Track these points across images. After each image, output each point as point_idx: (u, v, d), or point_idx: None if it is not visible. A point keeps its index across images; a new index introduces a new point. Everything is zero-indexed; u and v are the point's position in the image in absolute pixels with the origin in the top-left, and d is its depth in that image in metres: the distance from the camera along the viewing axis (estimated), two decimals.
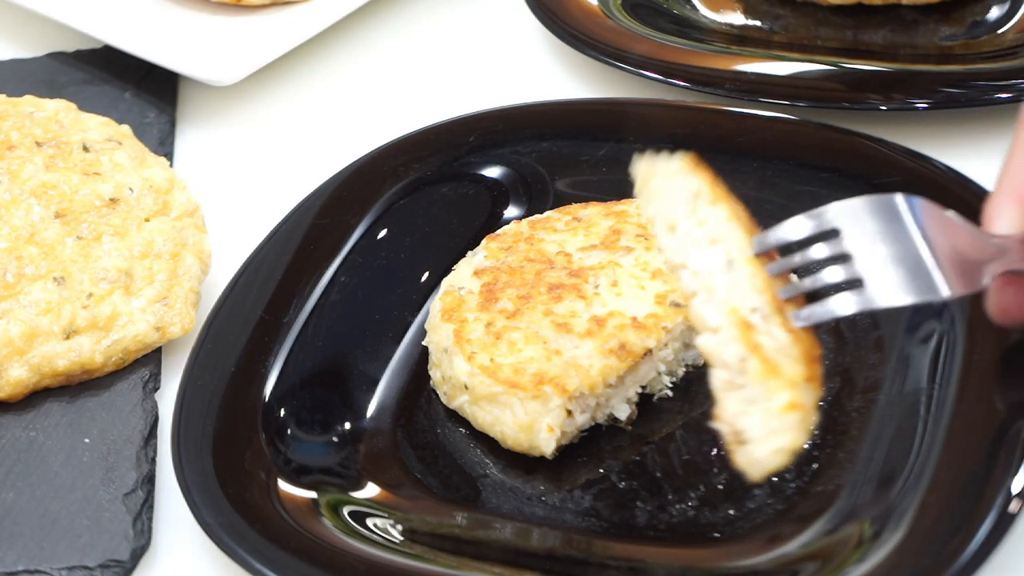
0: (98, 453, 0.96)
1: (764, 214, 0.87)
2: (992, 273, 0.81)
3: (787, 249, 0.81)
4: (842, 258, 0.79)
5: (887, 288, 0.78)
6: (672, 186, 0.83)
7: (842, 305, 0.78)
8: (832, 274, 0.79)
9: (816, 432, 0.92)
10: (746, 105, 1.14)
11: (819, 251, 0.79)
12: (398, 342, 1.02)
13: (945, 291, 0.79)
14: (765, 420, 0.77)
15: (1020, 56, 1.18)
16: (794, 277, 0.84)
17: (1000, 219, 0.83)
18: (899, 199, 0.81)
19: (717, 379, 0.78)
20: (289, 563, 0.86)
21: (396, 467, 0.95)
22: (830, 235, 0.80)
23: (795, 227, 0.80)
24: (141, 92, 1.26)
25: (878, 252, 0.79)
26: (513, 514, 0.91)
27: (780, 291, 0.79)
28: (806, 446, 0.91)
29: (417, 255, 1.07)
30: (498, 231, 1.05)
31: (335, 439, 0.96)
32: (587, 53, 1.23)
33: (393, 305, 1.04)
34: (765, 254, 0.80)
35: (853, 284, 0.79)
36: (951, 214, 0.82)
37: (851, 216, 0.80)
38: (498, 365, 0.93)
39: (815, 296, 0.80)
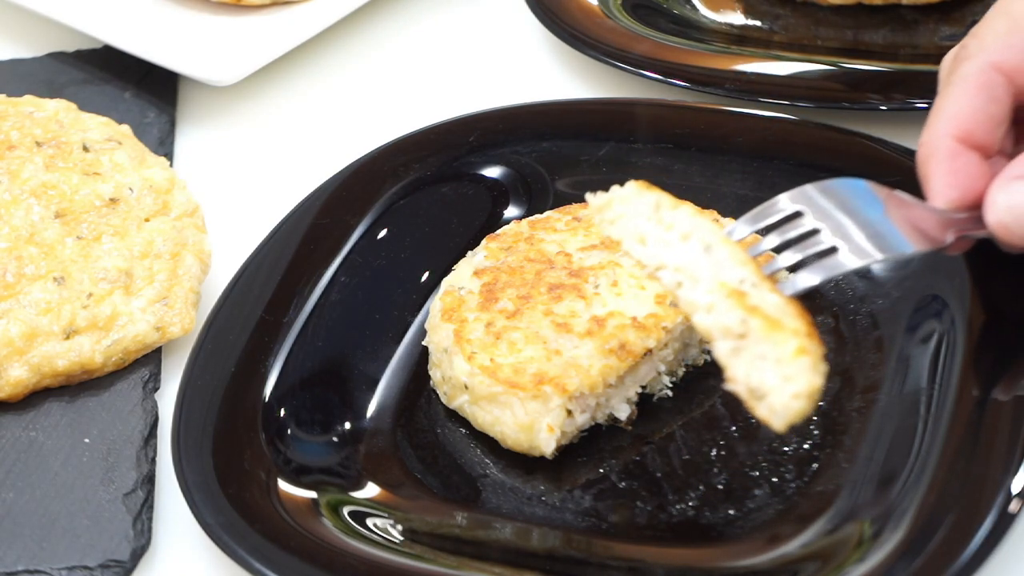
0: (98, 453, 0.96)
1: None
2: (950, 236, 0.86)
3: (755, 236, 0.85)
4: (811, 233, 0.84)
5: (859, 249, 0.83)
6: (631, 207, 0.86)
7: (823, 269, 0.83)
8: (806, 247, 0.83)
9: (816, 432, 0.92)
10: (746, 105, 1.14)
11: (788, 231, 0.84)
12: (398, 342, 1.02)
13: (910, 247, 0.84)
14: (778, 369, 0.78)
15: None
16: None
17: (937, 189, 0.87)
18: (843, 182, 0.86)
19: (721, 350, 0.80)
20: (289, 563, 0.86)
21: (396, 467, 0.95)
22: (794, 217, 0.84)
23: (759, 216, 0.85)
24: (141, 92, 1.26)
25: (842, 223, 0.84)
26: (513, 514, 0.91)
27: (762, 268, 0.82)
28: (806, 447, 0.92)
29: (417, 255, 1.07)
30: (498, 231, 1.05)
31: (335, 439, 0.96)
32: (587, 53, 1.23)
33: (393, 305, 1.04)
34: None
35: (827, 253, 0.83)
36: (899, 192, 0.87)
37: (806, 199, 0.85)
38: (498, 365, 0.93)
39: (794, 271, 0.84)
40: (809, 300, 0.99)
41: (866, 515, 0.86)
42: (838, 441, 0.92)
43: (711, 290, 0.81)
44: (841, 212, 0.84)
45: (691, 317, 0.82)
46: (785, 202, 0.85)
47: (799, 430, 0.92)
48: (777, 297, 0.80)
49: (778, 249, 0.84)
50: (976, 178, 0.86)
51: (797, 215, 0.84)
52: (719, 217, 1.00)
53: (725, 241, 0.82)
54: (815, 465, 0.91)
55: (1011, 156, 0.89)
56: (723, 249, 0.82)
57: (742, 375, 0.79)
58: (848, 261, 0.82)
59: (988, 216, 0.85)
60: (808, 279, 0.82)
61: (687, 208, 0.85)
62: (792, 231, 0.84)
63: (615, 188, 0.88)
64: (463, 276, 1.01)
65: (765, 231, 0.84)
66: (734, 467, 0.92)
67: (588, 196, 0.89)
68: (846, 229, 0.83)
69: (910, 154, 1.06)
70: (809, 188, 0.85)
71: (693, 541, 0.88)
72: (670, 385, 0.97)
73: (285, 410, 0.97)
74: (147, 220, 1.07)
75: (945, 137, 0.88)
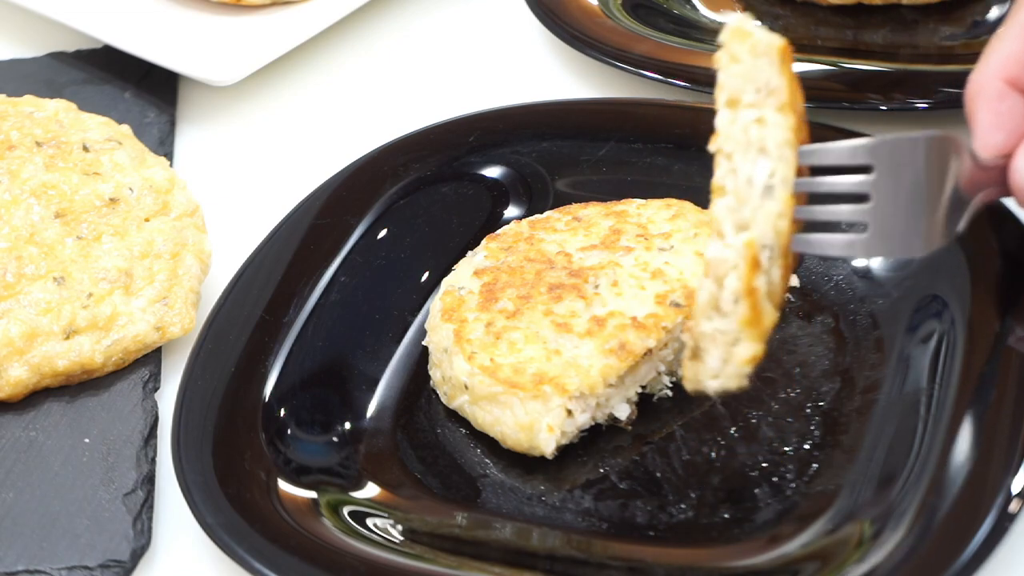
0: (98, 453, 0.96)
1: None
2: (975, 204, 0.87)
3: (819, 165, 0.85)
4: (859, 198, 0.85)
5: (878, 244, 0.85)
6: (754, 64, 0.82)
7: (834, 246, 0.85)
8: (841, 213, 0.85)
9: (816, 432, 0.92)
10: None
11: (841, 184, 0.85)
12: (398, 342, 1.02)
13: (922, 251, 0.85)
14: (723, 359, 0.83)
15: None
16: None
17: (983, 129, 0.88)
18: (932, 144, 0.85)
19: (704, 291, 0.82)
20: (289, 563, 0.86)
21: (396, 467, 0.95)
22: (862, 170, 0.85)
23: (837, 153, 0.84)
24: (141, 92, 1.26)
25: (889, 205, 0.84)
26: (513, 514, 0.91)
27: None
28: (806, 447, 0.92)
29: (417, 255, 1.07)
30: (498, 231, 1.05)
31: (335, 439, 0.96)
32: (587, 53, 1.23)
33: (393, 305, 1.04)
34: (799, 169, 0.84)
35: (854, 226, 0.85)
36: (967, 156, 0.86)
37: (890, 158, 0.84)
38: (498, 365, 0.93)
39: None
40: (809, 299, 1.00)
41: (866, 515, 0.86)
42: (838, 441, 0.92)
43: (740, 237, 0.82)
44: (902, 190, 0.84)
45: (710, 224, 0.83)
46: (863, 151, 0.84)
47: (799, 430, 0.93)
48: (779, 276, 0.82)
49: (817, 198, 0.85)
50: (1021, 122, 0.88)
51: (866, 168, 0.84)
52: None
53: (787, 201, 0.82)
54: (815, 465, 0.91)
55: None
56: (778, 204, 0.82)
57: (697, 333, 0.83)
58: (865, 251, 0.87)
59: (1012, 179, 0.86)
60: (816, 247, 0.85)
61: (786, 126, 0.82)
62: (845, 183, 0.84)
63: (761, 31, 0.82)
64: (463, 276, 1.01)
65: (826, 167, 0.85)
66: (734, 467, 0.92)
67: (733, 18, 0.83)
68: (889, 214, 0.84)
69: None
70: (893, 144, 0.85)
71: (693, 541, 0.88)
72: (670, 385, 0.97)
73: (285, 410, 0.97)
74: (147, 220, 1.07)
75: (994, 78, 0.89)
